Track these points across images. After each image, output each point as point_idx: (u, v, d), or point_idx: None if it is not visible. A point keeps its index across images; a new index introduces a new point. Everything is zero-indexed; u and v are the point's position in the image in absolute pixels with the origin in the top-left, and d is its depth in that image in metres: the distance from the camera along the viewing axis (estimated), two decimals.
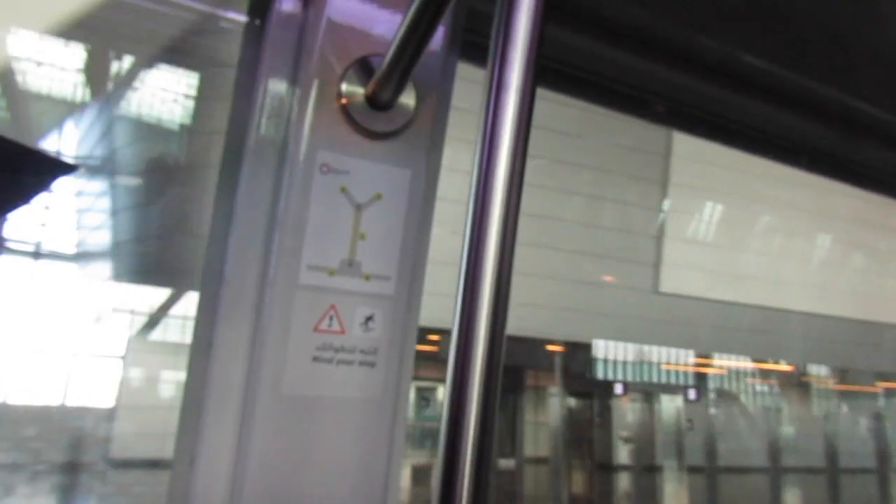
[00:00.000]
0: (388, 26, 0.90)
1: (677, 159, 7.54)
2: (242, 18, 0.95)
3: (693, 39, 1.14)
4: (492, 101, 0.54)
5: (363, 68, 0.87)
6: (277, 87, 0.89)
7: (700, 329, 8.01)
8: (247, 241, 0.84)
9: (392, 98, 0.86)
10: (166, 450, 0.85)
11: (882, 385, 10.51)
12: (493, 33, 0.55)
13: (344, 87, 0.86)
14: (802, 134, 1.38)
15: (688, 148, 7.43)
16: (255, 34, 0.92)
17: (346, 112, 0.85)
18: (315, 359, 0.82)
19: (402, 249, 0.88)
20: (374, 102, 0.86)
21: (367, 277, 0.85)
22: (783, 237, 8.61)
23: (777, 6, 0.99)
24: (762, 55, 1.12)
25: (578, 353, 8.00)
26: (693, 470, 9.05)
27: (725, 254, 8.17)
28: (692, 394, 9.19)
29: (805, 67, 1.15)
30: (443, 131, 0.95)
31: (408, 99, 0.89)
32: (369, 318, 0.85)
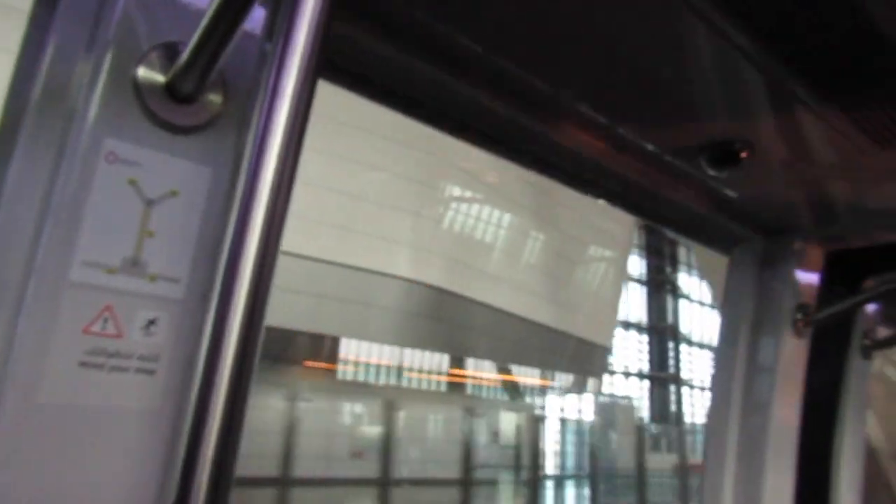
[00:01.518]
0: (201, 8, 0.83)
1: None
2: None
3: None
4: (269, 92, 0.53)
5: (166, 52, 0.80)
6: (68, 56, 0.79)
7: None
8: (14, 228, 0.75)
9: (195, 90, 0.79)
10: None
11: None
12: (277, 27, 0.54)
13: (141, 71, 0.78)
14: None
15: None
16: None
17: (142, 100, 0.78)
18: (83, 364, 0.74)
19: (197, 251, 0.82)
20: (174, 93, 0.79)
21: (153, 278, 0.79)
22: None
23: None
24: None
25: None
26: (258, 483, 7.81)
27: None
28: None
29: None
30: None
31: (215, 90, 0.82)
32: (152, 322, 0.78)
